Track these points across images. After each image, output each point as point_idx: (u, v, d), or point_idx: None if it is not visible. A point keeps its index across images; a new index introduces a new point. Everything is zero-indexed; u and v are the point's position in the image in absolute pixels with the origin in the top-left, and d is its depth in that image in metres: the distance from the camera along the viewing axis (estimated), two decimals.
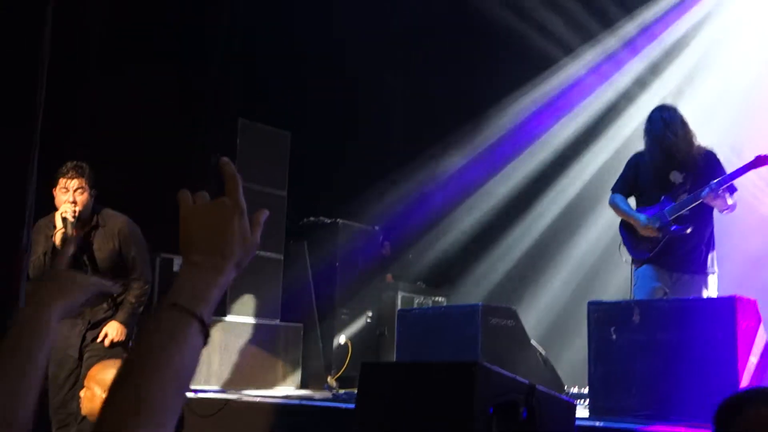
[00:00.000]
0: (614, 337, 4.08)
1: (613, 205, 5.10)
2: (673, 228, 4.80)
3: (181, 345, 1.03)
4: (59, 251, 4.52)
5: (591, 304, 4.28)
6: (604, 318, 4.19)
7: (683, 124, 4.91)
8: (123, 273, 4.80)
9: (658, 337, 3.88)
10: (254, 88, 7.71)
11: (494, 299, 7.41)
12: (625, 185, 5.10)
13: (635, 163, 5.11)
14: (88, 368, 4.59)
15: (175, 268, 7.70)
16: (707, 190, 4.62)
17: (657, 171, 4.93)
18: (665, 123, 4.88)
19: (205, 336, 1.08)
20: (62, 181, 4.64)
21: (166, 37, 7.18)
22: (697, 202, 4.72)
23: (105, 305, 4.81)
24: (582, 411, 4.14)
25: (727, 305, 3.65)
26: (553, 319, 6.92)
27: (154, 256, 7.41)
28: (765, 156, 4.55)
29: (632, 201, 5.10)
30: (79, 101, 6.77)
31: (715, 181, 4.64)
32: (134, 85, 6.86)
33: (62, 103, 6.01)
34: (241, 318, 6.92)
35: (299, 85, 8.02)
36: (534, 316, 6.48)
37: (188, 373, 1.03)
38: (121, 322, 4.78)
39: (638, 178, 5.05)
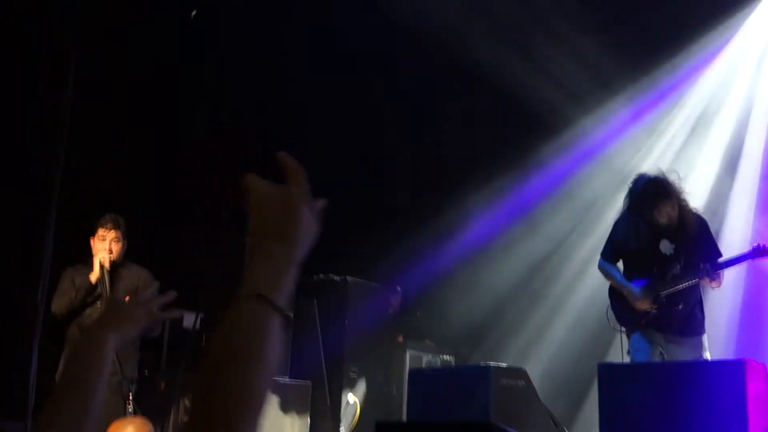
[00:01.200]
0: (624, 398, 4.11)
1: (604, 271, 5.15)
2: (666, 307, 4.86)
3: (271, 336, 1.03)
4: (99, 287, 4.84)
5: (600, 366, 4.33)
6: (614, 379, 4.23)
7: (669, 194, 4.91)
8: None
9: (669, 400, 3.92)
10: (265, 151, 7.83)
11: (501, 359, 7.43)
12: (614, 251, 5.15)
13: (620, 227, 5.15)
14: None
15: (185, 323, 7.76)
16: (703, 273, 4.70)
17: (645, 240, 4.97)
18: (657, 199, 4.91)
19: (286, 326, 1.08)
20: (101, 231, 5.17)
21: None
22: (691, 283, 4.81)
23: None
24: None
25: (736, 368, 3.70)
26: (557, 379, 6.94)
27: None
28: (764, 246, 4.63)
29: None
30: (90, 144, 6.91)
31: (713, 264, 4.72)
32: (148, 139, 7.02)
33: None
34: None
35: (300, 141, 8.15)
36: (540, 376, 6.49)
37: (276, 364, 1.03)
38: None
39: (625, 246, 5.09)
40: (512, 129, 8.03)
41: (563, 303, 7.79)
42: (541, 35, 7.51)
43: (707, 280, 4.75)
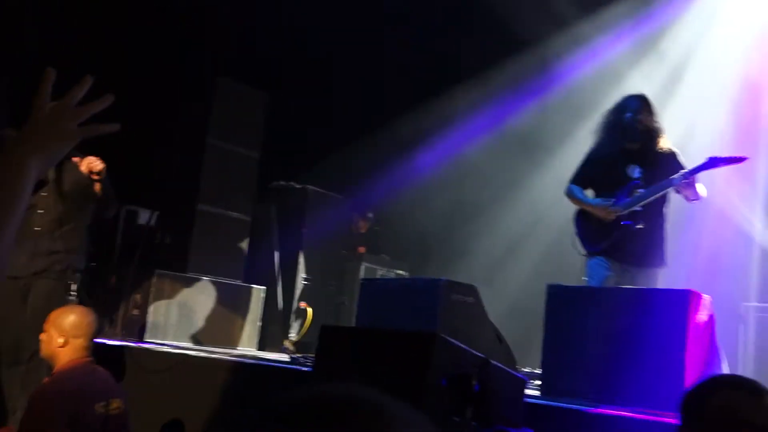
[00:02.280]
0: (570, 320, 4.16)
1: (569, 195, 5.17)
2: (624, 222, 4.88)
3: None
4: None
5: (550, 287, 4.36)
6: (562, 301, 4.27)
7: (650, 114, 4.98)
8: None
9: (613, 324, 3.98)
10: (233, 45, 7.65)
11: (458, 277, 7.49)
12: (582, 178, 5.16)
13: (591, 156, 5.16)
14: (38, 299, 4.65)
15: (141, 220, 7.69)
16: (680, 178, 4.67)
17: (614, 163, 4.99)
18: (631, 113, 4.94)
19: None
20: None
21: None
22: (650, 199, 4.81)
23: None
24: (534, 391, 4.24)
25: (681, 297, 3.75)
26: (516, 301, 7.02)
27: (118, 208, 7.39)
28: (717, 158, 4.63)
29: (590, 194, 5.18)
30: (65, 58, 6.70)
31: (687, 170, 4.71)
32: (113, 38, 6.80)
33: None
34: (203, 275, 6.92)
35: (279, 46, 7.96)
36: (497, 296, 6.55)
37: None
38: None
39: (595, 171, 5.11)
40: (489, 45, 7.88)
41: (531, 228, 7.82)
42: None
43: (687, 189, 4.70)
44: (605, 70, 7.54)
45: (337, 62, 8.29)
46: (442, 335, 2.90)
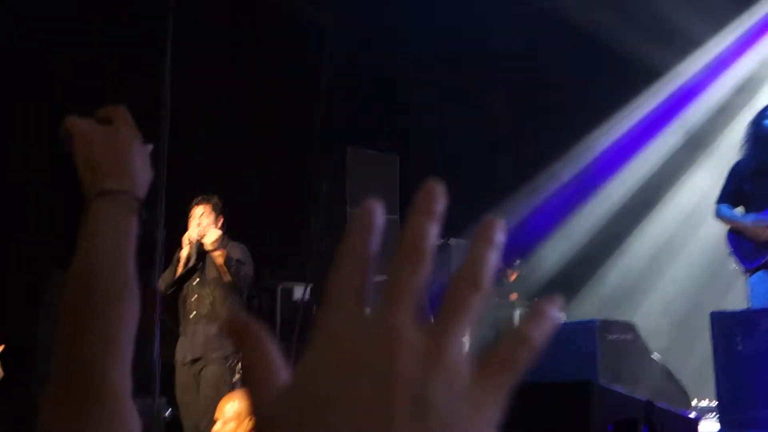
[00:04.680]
0: (740, 347, 3.94)
1: (718, 215, 4.89)
2: None
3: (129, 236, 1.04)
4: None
5: (714, 314, 4.15)
6: (729, 328, 4.05)
7: None
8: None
9: None
10: (360, 115, 7.90)
11: (609, 313, 7.29)
12: (729, 195, 4.88)
13: (738, 171, 4.90)
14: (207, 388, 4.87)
15: (296, 296, 7.95)
16: None
17: (764, 175, 4.72)
18: None
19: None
20: (192, 211, 5.17)
21: (273, 69, 7.48)
22: None
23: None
24: (712, 425, 4.02)
25: None
26: (672, 330, 6.73)
27: (274, 286, 7.69)
28: None
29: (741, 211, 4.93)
30: (197, 136, 7.16)
31: None
32: (247, 120, 7.18)
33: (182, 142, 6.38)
34: None
35: (404, 110, 8.16)
36: (652, 328, 6.31)
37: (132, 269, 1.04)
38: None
39: (743, 186, 4.83)
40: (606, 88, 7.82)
41: (675, 254, 7.54)
42: None
43: None
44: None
45: (452, 113, 8.41)
46: (599, 382, 2.83)
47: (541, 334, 0.50)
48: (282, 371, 0.49)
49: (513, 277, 8.49)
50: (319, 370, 0.46)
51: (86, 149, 1.05)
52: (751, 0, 7.21)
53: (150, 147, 1.12)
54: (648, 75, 7.75)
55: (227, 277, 5.05)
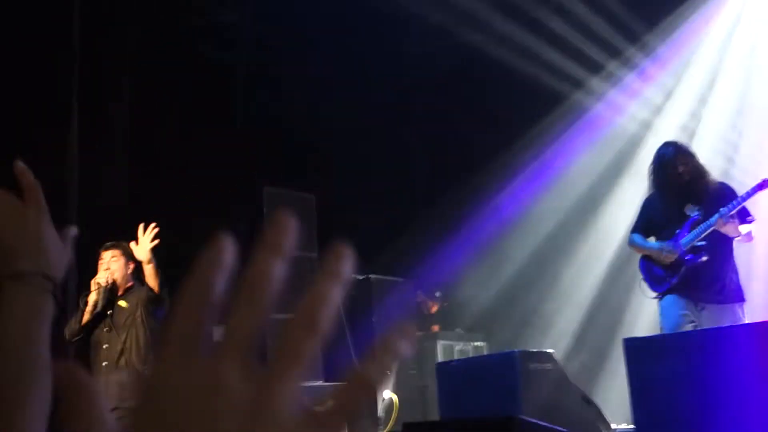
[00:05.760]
0: (653, 372, 4.06)
1: (631, 243, 5.20)
2: (688, 258, 4.82)
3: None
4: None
5: (626, 340, 4.27)
6: (641, 353, 4.18)
7: (689, 157, 4.96)
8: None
9: (696, 370, 3.87)
10: (276, 155, 7.88)
11: (530, 339, 7.42)
12: (641, 225, 5.16)
13: (648, 203, 5.16)
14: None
15: (216, 338, 7.82)
16: (716, 216, 4.65)
17: (670, 206, 4.97)
18: (665, 158, 4.95)
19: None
20: (101, 255, 5.07)
21: (189, 106, 7.41)
22: (708, 231, 4.75)
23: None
24: None
25: (759, 331, 3.64)
26: (591, 358, 6.90)
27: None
28: None
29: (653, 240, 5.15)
30: (109, 177, 7.00)
31: (726, 207, 4.66)
32: (162, 160, 7.08)
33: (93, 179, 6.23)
34: None
35: (319, 149, 8.19)
36: (570, 355, 6.46)
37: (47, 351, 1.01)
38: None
39: (653, 217, 5.09)
40: (518, 112, 8.03)
41: (591, 282, 7.75)
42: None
43: (725, 226, 4.66)
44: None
45: (368, 150, 8.48)
46: (522, 417, 2.88)
47: (381, 375, 0.49)
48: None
49: (434, 309, 8.59)
50: (143, 426, 0.45)
51: None
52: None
53: (73, 231, 1.10)
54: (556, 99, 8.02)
55: (156, 290, 4.93)
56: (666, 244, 4.93)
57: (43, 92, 6.21)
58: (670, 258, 4.88)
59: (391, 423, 7.56)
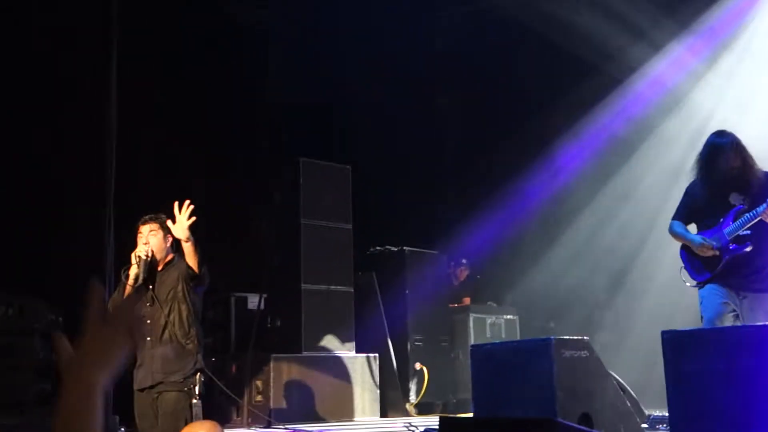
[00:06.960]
0: (690, 366, 4.03)
1: (671, 231, 5.11)
2: (732, 247, 4.76)
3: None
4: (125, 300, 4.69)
5: (664, 333, 4.24)
6: (679, 347, 4.14)
7: (739, 149, 4.87)
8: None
9: (736, 365, 3.83)
10: (312, 127, 7.87)
11: (565, 316, 7.40)
12: (683, 212, 5.09)
13: (691, 190, 5.08)
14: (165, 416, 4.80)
15: (250, 305, 7.90)
16: (764, 206, 4.58)
17: (714, 195, 4.89)
18: (719, 149, 4.86)
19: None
20: (139, 229, 5.02)
21: (226, 81, 7.41)
22: (755, 220, 4.68)
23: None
24: None
25: None
26: (630, 344, 6.88)
27: (227, 297, 7.65)
28: None
29: (693, 228, 5.08)
30: (146, 150, 7.06)
31: None
32: (199, 134, 7.11)
33: (127, 156, 6.29)
34: (317, 352, 7.06)
35: (354, 120, 8.16)
36: (608, 340, 6.44)
37: None
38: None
39: (696, 204, 5.02)
40: (559, 81, 7.90)
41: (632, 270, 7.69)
42: None
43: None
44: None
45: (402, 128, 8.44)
46: (559, 420, 2.88)
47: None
48: None
49: (463, 276, 8.59)
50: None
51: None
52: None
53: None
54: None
55: (195, 269, 4.91)
56: (707, 239, 4.87)
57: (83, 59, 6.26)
58: (707, 253, 4.83)
59: (421, 393, 7.64)
